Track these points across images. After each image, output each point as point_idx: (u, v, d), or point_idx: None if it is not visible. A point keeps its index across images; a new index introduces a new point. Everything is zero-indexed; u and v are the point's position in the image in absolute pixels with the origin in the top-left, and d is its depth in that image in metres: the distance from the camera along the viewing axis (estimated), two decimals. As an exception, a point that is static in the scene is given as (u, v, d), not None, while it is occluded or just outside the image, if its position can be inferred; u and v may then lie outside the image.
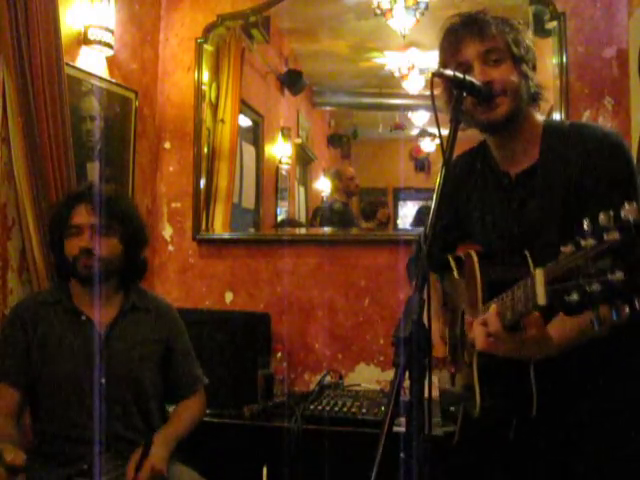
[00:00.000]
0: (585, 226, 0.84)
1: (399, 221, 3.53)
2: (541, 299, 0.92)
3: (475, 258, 1.34)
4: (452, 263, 1.53)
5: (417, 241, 1.72)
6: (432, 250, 1.17)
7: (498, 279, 1.25)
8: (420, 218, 3.25)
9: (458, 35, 1.39)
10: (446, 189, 1.44)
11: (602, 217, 0.82)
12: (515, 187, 1.45)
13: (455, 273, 1.52)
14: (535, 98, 1.43)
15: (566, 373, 1.34)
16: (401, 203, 3.58)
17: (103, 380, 1.83)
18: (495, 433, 1.42)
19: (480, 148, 1.58)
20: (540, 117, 1.47)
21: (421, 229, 1.77)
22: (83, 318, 1.88)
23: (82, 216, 1.87)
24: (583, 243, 0.84)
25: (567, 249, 0.87)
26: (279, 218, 3.55)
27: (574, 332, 1.22)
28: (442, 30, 1.43)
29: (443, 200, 1.21)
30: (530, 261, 1.15)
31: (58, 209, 1.96)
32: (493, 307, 1.15)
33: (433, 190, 1.22)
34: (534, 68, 1.43)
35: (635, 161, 1.39)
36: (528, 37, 1.43)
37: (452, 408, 1.62)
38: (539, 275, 0.92)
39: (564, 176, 1.35)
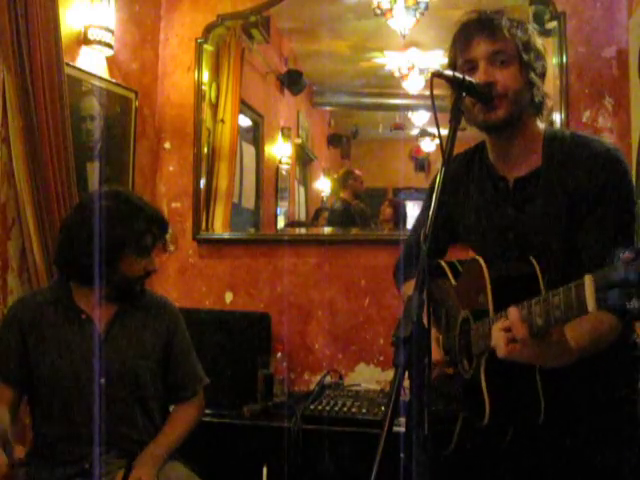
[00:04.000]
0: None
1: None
2: (591, 305, 0.93)
3: (483, 264, 1.32)
4: (446, 269, 1.52)
5: (407, 242, 1.70)
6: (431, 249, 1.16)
7: (509, 285, 1.26)
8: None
9: (470, 32, 1.38)
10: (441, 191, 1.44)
11: None
12: (513, 192, 1.44)
13: (451, 278, 1.51)
14: (539, 107, 1.42)
15: (571, 383, 1.33)
16: (401, 203, 3.57)
17: (103, 379, 1.83)
18: (489, 441, 1.39)
19: (476, 150, 1.56)
20: (541, 125, 1.46)
21: (409, 229, 1.76)
22: (83, 317, 1.88)
23: (154, 239, 1.93)
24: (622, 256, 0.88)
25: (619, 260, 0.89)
26: (279, 220, 3.55)
27: (590, 336, 1.22)
28: (457, 24, 1.42)
29: (441, 201, 1.20)
30: (539, 271, 1.25)
31: (132, 228, 1.85)
32: (515, 313, 1.12)
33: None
34: (543, 76, 1.42)
35: (635, 170, 1.40)
36: (540, 43, 1.43)
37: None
38: (589, 281, 0.94)
39: (565, 185, 1.36)
